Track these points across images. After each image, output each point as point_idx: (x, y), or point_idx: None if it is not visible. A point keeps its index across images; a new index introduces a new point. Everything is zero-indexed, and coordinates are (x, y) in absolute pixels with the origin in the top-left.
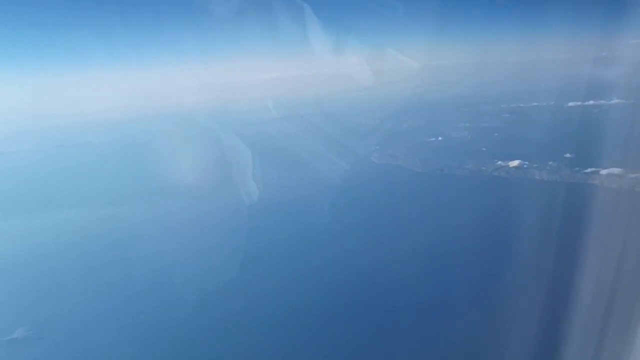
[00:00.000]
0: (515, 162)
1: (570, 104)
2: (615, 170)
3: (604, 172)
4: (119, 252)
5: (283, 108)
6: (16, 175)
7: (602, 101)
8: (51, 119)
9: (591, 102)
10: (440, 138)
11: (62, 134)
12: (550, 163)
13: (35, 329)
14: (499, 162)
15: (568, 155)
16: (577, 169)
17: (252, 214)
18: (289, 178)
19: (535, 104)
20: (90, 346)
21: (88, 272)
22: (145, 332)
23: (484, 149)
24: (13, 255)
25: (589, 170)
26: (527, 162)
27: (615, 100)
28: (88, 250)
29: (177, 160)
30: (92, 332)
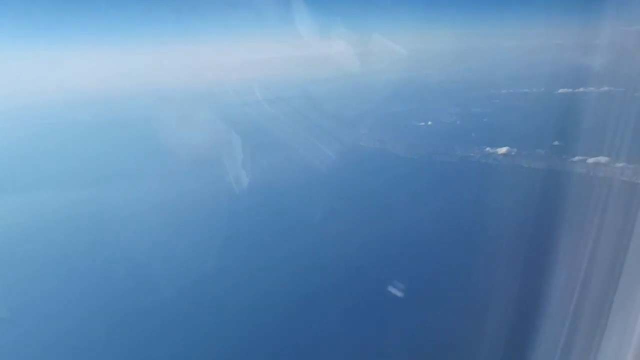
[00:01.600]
0: (504, 149)
1: (561, 90)
2: (602, 159)
3: (590, 160)
4: (97, 235)
5: (268, 90)
6: None
7: (592, 88)
8: (27, 96)
9: (581, 89)
10: (429, 123)
11: (39, 112)
12: (538, 151)
13: None
14: (488, 149)
15: (556, 143)
16: (564, 157)
17: (236, 197)
18: (274, 161)
19: (525, 90)
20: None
21: (61, 256)
22: (119, 321)
23: (473, 134)
24: None
25: (576, 158)
26: (515, 149)
27: (605, 88)
28: (64, 233)
29: (158, 141)
30: (59, 321)
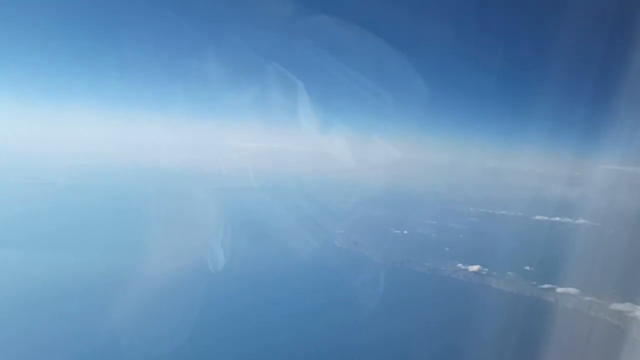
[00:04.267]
0: (475, 267)
1: (537, 217)
2: (572, 290)
3: (560, 290)
4: (59, 303)
5: (260, 178)
6: None
7: (568, 219)
8: (21, 153)
9: (557, 218)
10: (405, 231)
11: (28, 170)
12: (509, 273)
13: None
14: (459, 265)
15: (527, 268)
16: (534, 283)
17: (212, 281)
18: (253, 248)
19: (503, 212)
20: None
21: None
22: None
23: (447, 249)
24: None
25: (545, 286)
26: (486, 269)
27: (581, 220)
28: (26, 297)
29: (142, 215)
30: None
